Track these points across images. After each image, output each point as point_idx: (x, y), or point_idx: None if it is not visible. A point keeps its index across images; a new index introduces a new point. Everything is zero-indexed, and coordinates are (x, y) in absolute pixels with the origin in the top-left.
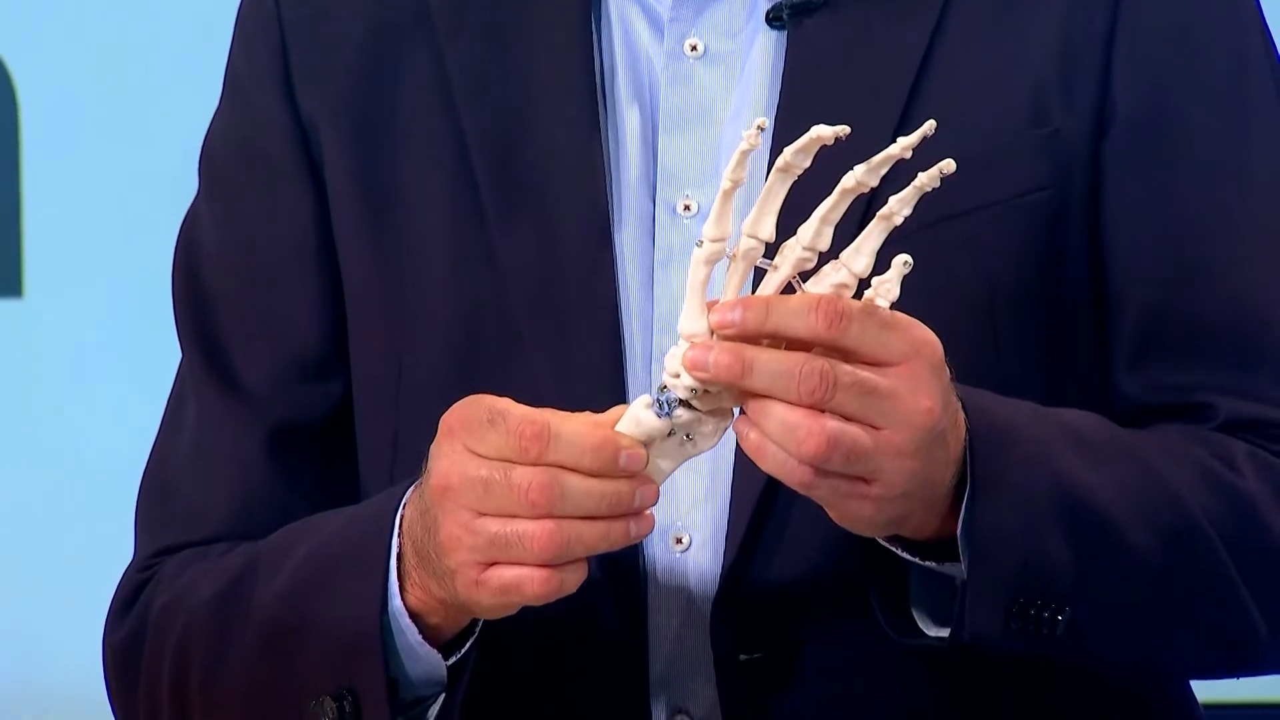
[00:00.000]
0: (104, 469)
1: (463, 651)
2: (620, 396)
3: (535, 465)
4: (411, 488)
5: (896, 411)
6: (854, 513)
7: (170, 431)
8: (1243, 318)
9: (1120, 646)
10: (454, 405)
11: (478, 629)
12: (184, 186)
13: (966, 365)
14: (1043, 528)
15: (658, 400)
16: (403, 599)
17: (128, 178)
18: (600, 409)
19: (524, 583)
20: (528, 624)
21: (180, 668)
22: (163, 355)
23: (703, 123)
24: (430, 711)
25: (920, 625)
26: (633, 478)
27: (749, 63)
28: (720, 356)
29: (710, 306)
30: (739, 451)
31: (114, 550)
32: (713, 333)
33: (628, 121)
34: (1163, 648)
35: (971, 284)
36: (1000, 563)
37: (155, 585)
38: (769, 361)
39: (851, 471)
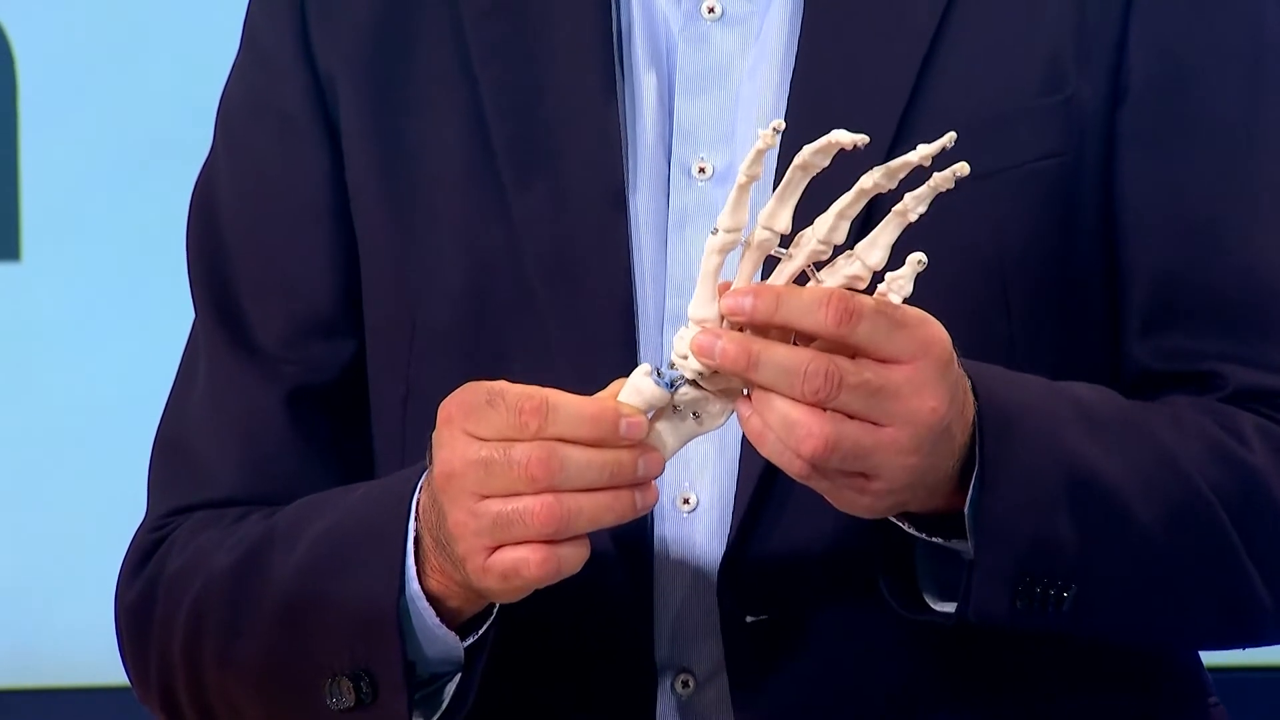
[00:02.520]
0: (102, 432)
1: (481, 632)
2: (631, 357)
3: (535, 440)
4: (425, 473)
5: (900, 411)
6: (852, 503)
7: (183, 390)
8: (1255, 287)
9: (1126, 622)
10: (452, 392)
11: (495, 610)
12: (182, 150)
13: (977, 329)
14: (1050, 507)
15: (657, 370)
16: (422, 583)
17: (125, 142)
18: (611, 369)
19: (522, 565)
20: (537, 589)
21: (194, 636)
22: (161, 318)
23: (719, 84)
24: (446, 689)
25: (927, 599)
26: (634, 447)
27: (766, 24)
28: (727, 346)
29: (722, 290)
30: None
31: (113, 513)
32: (723, 318)
33: (644, 83)
34: (1169, 622)
35: (983, 248)
36: (1007, 543)
37: (169, 547)
38: (775, 357)
39: (851, 469)
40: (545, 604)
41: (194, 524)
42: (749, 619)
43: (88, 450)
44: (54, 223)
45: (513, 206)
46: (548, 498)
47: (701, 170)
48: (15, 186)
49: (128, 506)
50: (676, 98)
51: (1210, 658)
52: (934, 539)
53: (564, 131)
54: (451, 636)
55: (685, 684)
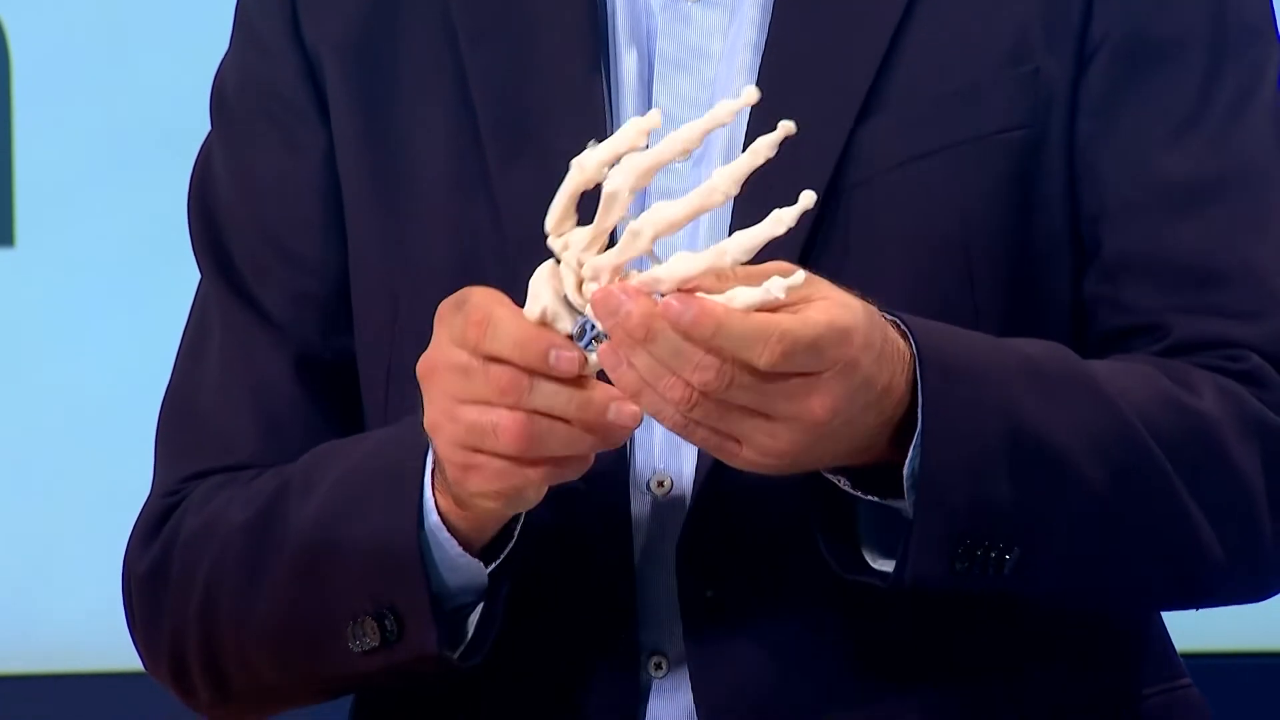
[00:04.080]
0: (98, 418)
1: (504, 556)
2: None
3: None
4: None
5: (786, 409)
6: (730, 460)
7: (191, 359)
8: (1203, 248)
9: (1072, 583)
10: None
11: (516, 532)
12: (177, 134)
13: (940, 300)
14: (991, 469)
15: (582, 327)
16: (440, 514)
17: (120, 128)
18: None
19: (489, 478)
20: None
21: (211, 597)
22: (156, 304)
23: (697, 65)
24: (470, 619)
25: (868, 558)
26: (607, 392)
27: (744, 6)
28: (633, 311)
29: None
30: None
31: (109, 500)
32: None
33: (626, 64)
34: (1116, 582)
35: (946, 219)
36: (946, 505)
37: (183, 511)
38: (671, 340)
39: (722, 429)
40: (527, 591)
41: (208, 487)
42: (708, 594)
43: (83, 436)
44: (49, 209)
45: (497, 186)
46: (520, 415)
47: (684, 151)
48: (10, 172)
49: (124, 493)
50: (656, 79)
51: (1186, 642)
52: (870, 497)
53: (549, 112)
54: (475, 563)
55: (659, 666)
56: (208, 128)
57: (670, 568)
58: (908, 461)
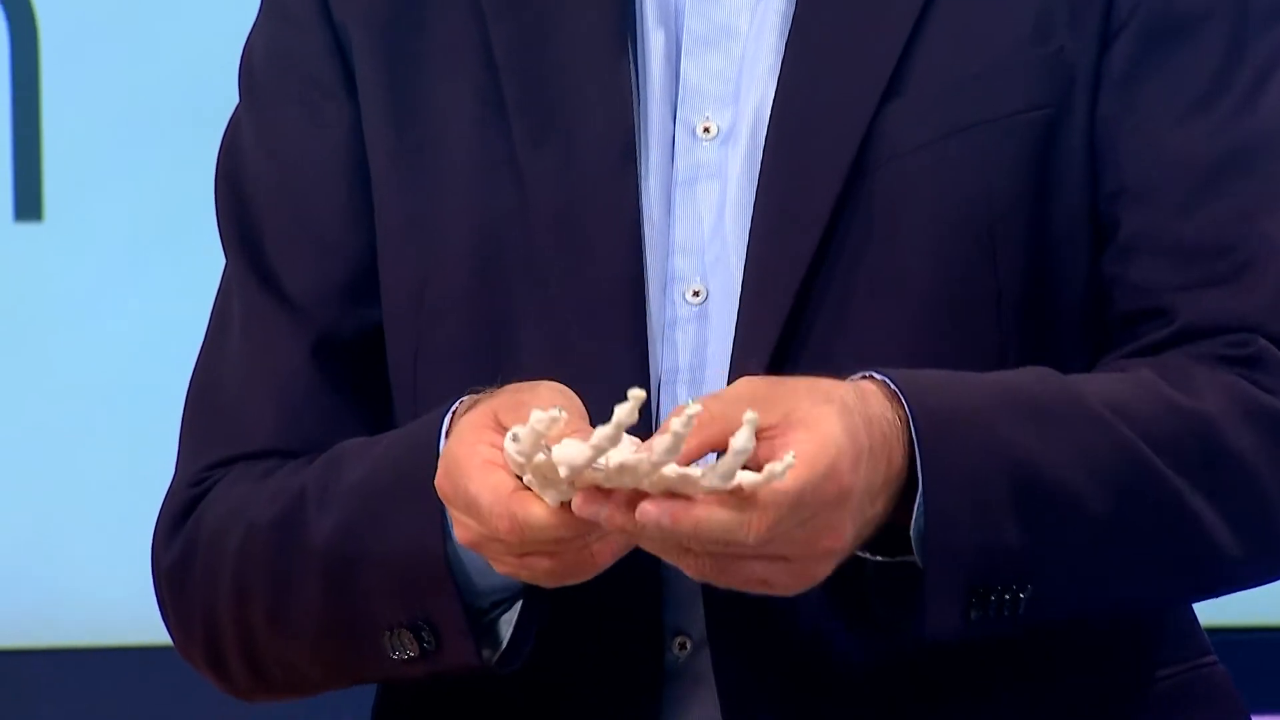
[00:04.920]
0: (124, 392)
1: None
2: (639, 316)
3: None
4: (448, 417)
5: (796, 553)
6: (768, 593)
7: (214, 345)
8: (1222, 221)
9: (1085, 605)
10: (440, 469)
11: None
12: (205, 109)
13: (964, 281)
14: (996, 514)
15: None
16: None
17: (147, 102)
18: (618, 329)
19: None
20: None
21: (242, 600)
22: (184, 278)
23: (725, 44)
24: (502, 621)
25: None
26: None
27: None
28: (663, 521)
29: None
30: (732, 378)
31: (133, 474)
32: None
33: (653, 42)
34: (1130, 594)
35: (970, 199)
36: (956, 561)
37: (206, 506)
38: (660, 535)
39: (746, 578)
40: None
41: (228, 481)
42: None
43: (109, 410)
44: (76, 184)
45: (523, 164)
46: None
47: (706, 130)
48: (38, 148)
49: (149, 468)
50: (683, 57)
51: (1210, 619)
52: (877, 557)
53: (576, 89)
54: None
55: (682, 646)
56: (236, 102)
57: None
58: (913, 523)
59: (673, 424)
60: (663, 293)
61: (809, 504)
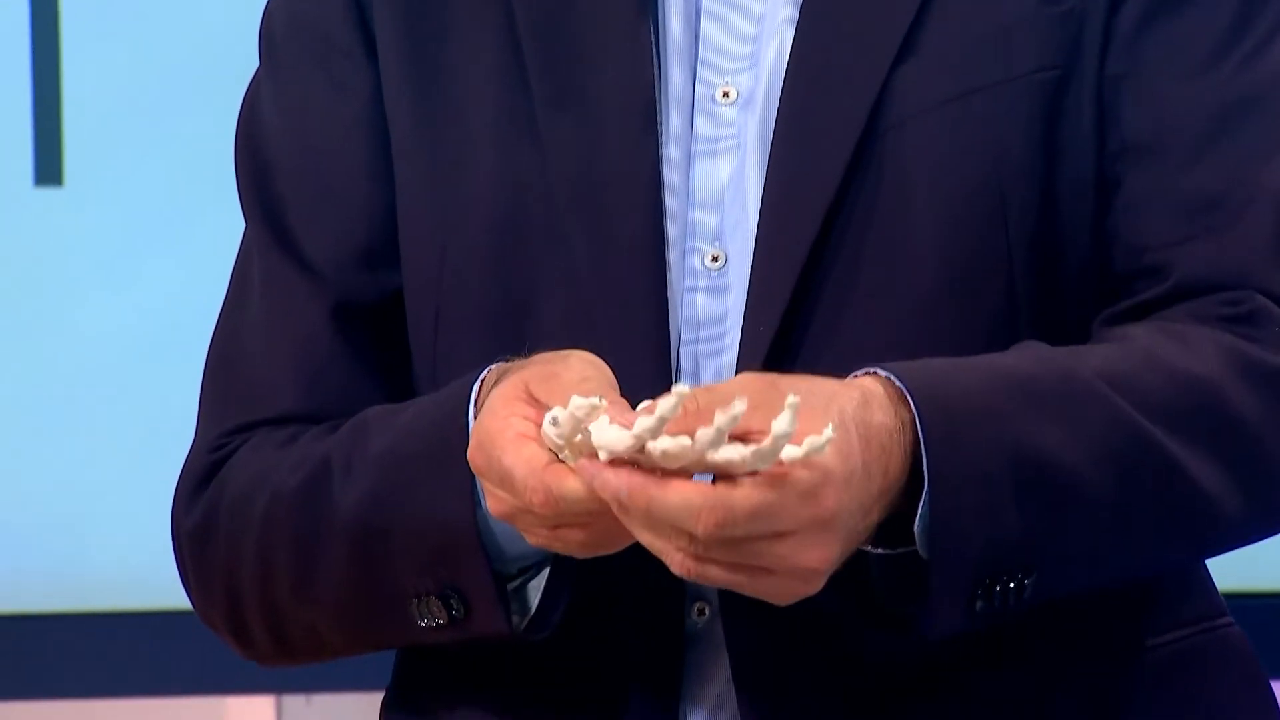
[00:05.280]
0: (144, 356)
1: None
2: (660, 281)
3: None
4: (476, 385)
5: (778, 565)
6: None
7: (235, 307)
8: (1222, 174)
9: (1087, 580)
10: (473, 442)
11: None
12: (225, 73)
13: (975, 244)
14: (1002, 510)
15: None
16: None
17: (168, 65)
18: (638, 293)
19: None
20: None
21: (265, 567)
22: (204, 242)
23: (743, 9)
24: (530, 586)
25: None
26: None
27: None
28: (612, 483)
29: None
30: (745, 342)
31: (155, 437)
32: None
33: (673, 6)
34: (1133, 565)
35: (981, 160)
36: (961, 557)
37: (228, 471)
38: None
39: (729, 582)
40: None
41: (251, 446)
42: None
43: (129, 374)
44: (97, 149)
45: (543, 128)
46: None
47: (726, 95)
48: (58, 112)
49: (171, 431)
50: (703, 21)
51: (1230, 585)
52: (879, 550)
53: (596, 54)
54: None
55: (701, 612)
56: (256, 66)
57: None
58: (917, 520)
59: (660, 406)
60: (682, 257)
61: (772, 516)
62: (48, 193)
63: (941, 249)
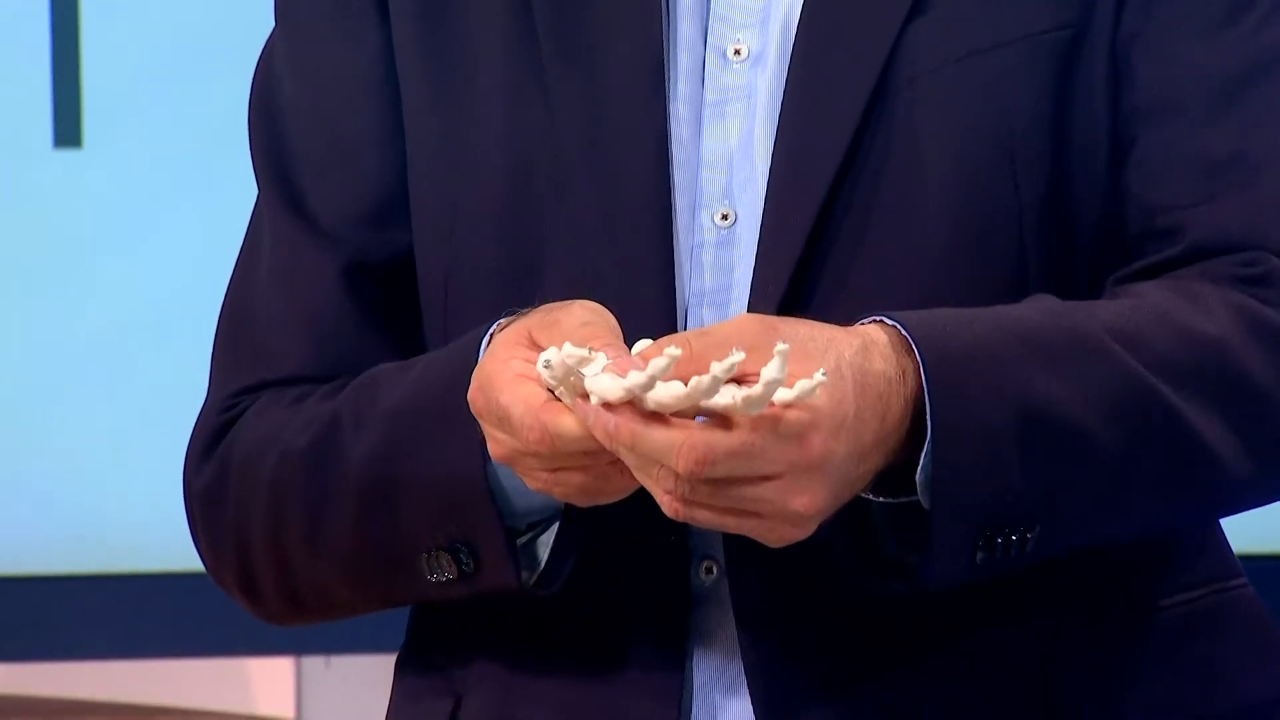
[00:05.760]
0: (162, 318)
1: None
2: (667, 239)
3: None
4: (485, 338)
5: (769, 510)
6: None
7: (245, 267)
8: (1237, 135)
9: (1091, 537)
10: (473, 384)
11: None
12: (243, 35)
13: (986, 203)
14: (1005, 458)
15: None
16: None
17: (186, 27)
18: (645, 251)
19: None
20: None
21: (277, 524)
22: (222, 204)
23: None
24: (539, 541)
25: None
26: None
27: None
28: (603, 418)
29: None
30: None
31: (173, 399)
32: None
33: None
34: (1138, 524)
35: (993, 118)
36: (964, 509)
37: (237, 430)
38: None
39: (720, 524)
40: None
41: (260, 406)
42: None
43: (148, 335)
44: (115, 111)
45: (551, 85)
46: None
47: (737, 52)
48: (77, 74)
49: (188, 392)
50: None
51: (1241, 544)
52: (881, 498)
53: (606, 11)
54: None
55: (709, 570)
56: (272, 27)
57: None
58: (920, 469)
59: (652, 365)
60: (691, 215)
61: (755, 456)
62: (67, 155)
63: (952, 208)
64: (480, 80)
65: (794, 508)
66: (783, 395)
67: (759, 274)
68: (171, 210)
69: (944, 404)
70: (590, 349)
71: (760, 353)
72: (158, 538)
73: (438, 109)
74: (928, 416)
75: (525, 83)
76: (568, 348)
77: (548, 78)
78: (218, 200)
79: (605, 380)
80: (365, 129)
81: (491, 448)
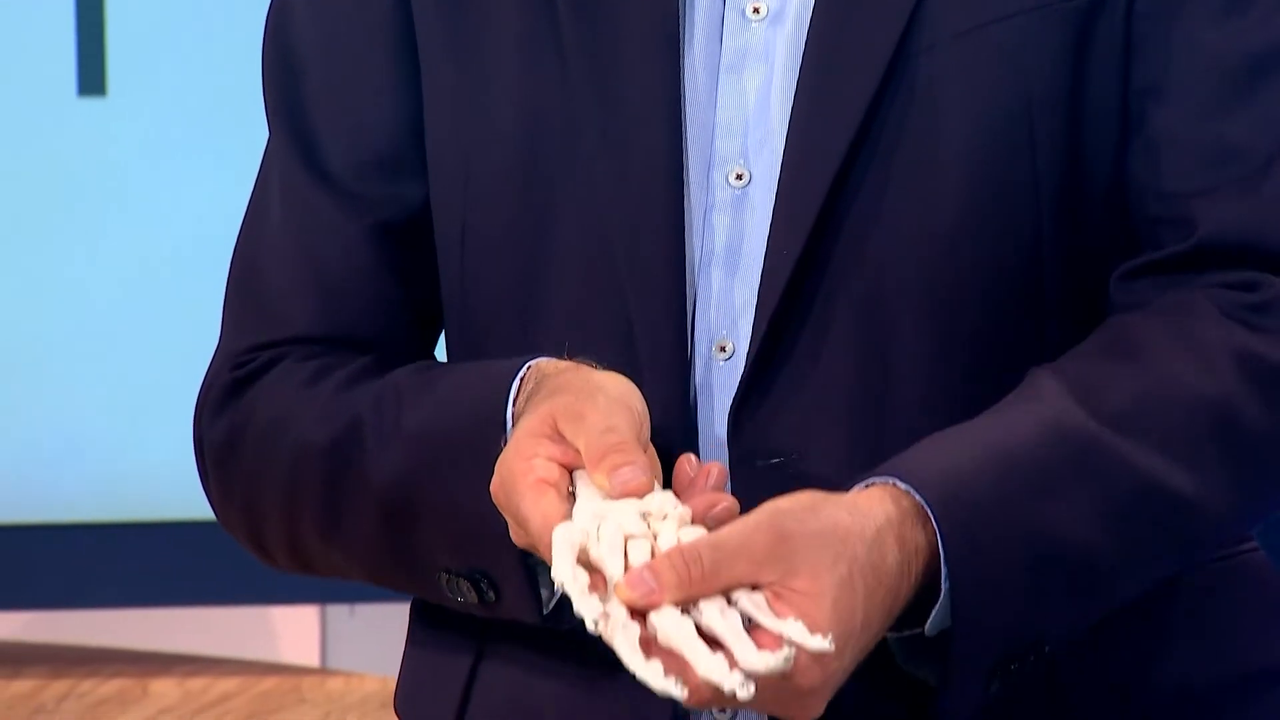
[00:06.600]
0: (186, 267)
1: None
2: (678, 198)
3: None
4: (519, 374)
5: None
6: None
7: (256, 218)
8: (1253, 124)
9: (1090, 625)
10: (495, 477)
11: None
12: None
13: (1004, 172)
14: (1020, 605)
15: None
16: None
17: None
18: (655, 210)
19: None
20: None
21: (291, 510)
22: (246, 152)
23: None
24: None
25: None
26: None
27: None
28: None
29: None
30: (768, 262)
31: (198, 349)
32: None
33: None
34: (1134, 597)
35: (1010, 86)
36: (980, 659)
37: (255, 395)
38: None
39: None
40: None
41: (275, 378)
42: (759, 463)
43: (172, 285)
44: (139, 59)
45: (567, 42)
46: None
47: (755, 10)
48: (101, 22)
49: (213, 340)
50: None
51: None
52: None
53: None
54: None
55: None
56: None
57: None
58: (930, 620)
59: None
60: (705, 175)
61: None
62: (91, 103)
63: (970, 174)
64: (495, 34)
65: (795, 711)
66: (789, 633)
67: (774, 236)
68: (195, 158)
69: (962, 573)
70: (598, 529)
71: (772, 563)
72: (183, 486)
73: (453, 61)
74: (943, 579)
75: (540, 37)
76: (578, 531)
77: (563, 33)
78: (241, 148)
79: (612, 561)
80: (379, 79)
81: (513, 534)
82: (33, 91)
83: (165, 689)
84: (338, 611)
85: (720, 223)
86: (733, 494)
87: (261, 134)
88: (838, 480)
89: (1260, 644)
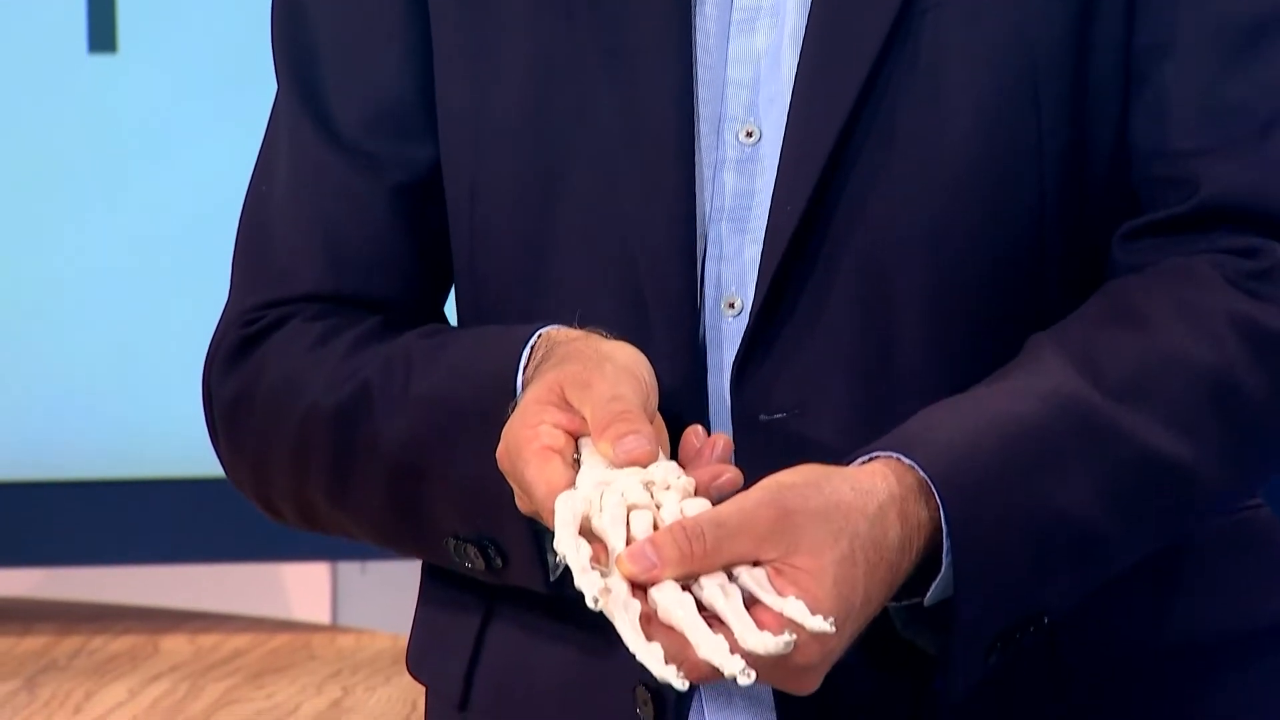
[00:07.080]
0: (199, 224)
1: None
2: (688, 154)
3: None
4: (529, 342)
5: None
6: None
7: (264, 175)
8: (1257, 85)
9: (1089, 593)
10: (501, 444)
11: None
12: None
13: (1008, 129)
14: (1023, 580)
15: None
16: None
17: None
18: (664, 165)
19: None
20: None
21: (300, 473)
22: (254, 110)
23: None
24: None
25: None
26: None
27: None
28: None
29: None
30: (772, 218)
31: (212, 308)
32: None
33: None
34: (1132, 563)
35: (1016, 44)
36: (981, 634)
37: (265, 354)
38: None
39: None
40: None
41: (285, 337)
42: (763, 418)
43: (184, 241)
44: (150, 15)
45: (576, 2)
46: None
47: None
48: None
49: (222, 299)
50: None
51: None
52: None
53: None
54: None
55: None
56: None
57: (726, 388)
58: (930, 592)
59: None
60: (715, 132)
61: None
62: (101, 60)
63: (974, 131)
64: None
65: (793, 685)
66: (790, 612)
67: (779, 191)
68: (206, 115)
69: (965, 550)
70: (601, 498)
71: (774, 542)
72: (194, 443)
73: (463, 20)
74: (944, 553)
75: None
76: (580, 500)
77: None
78: (252, 105)
79: (614, 532)
80: (389, 36)
81: (518, 502)
82: (43, 48)
83: (176, 645)
84: (349, 569)
85: (729, 178)
86: (735, 448)
87: (270, 89)
88: (839, 438)
89: (1266, 601)
